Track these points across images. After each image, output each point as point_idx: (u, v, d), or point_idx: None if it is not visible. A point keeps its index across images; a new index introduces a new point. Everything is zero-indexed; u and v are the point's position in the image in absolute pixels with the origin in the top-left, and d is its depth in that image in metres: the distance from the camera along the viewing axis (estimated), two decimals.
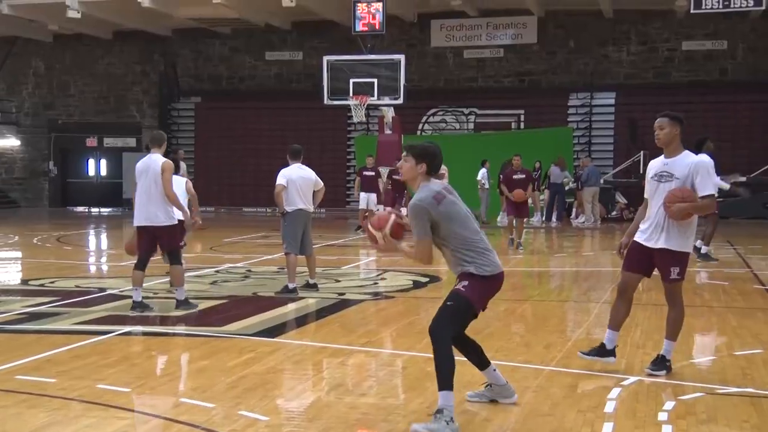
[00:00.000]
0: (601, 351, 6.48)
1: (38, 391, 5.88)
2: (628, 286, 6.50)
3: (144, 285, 9.32)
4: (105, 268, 14.95)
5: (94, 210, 31.52)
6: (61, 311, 9.21)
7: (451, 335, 5.07)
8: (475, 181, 23.14)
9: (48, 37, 31.83)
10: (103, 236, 22.16)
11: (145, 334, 8.16)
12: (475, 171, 23.64)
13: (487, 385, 5.56)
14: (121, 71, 32.46)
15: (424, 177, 5.20)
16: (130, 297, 9.78)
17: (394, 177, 19.66)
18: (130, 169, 32.00)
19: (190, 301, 9.30)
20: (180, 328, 8.46)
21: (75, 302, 9.78)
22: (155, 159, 9.07)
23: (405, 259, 5.35)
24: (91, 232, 23.21)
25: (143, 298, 9.14)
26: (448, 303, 5.13)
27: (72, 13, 26.07)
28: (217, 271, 12.82)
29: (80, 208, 32.24)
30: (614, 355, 6.50)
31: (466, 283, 5.14)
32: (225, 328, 8.35)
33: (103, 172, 33.67)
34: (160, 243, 9.22)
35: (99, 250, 18.66)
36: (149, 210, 8.98)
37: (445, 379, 4.91)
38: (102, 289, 10.81)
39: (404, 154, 5.30)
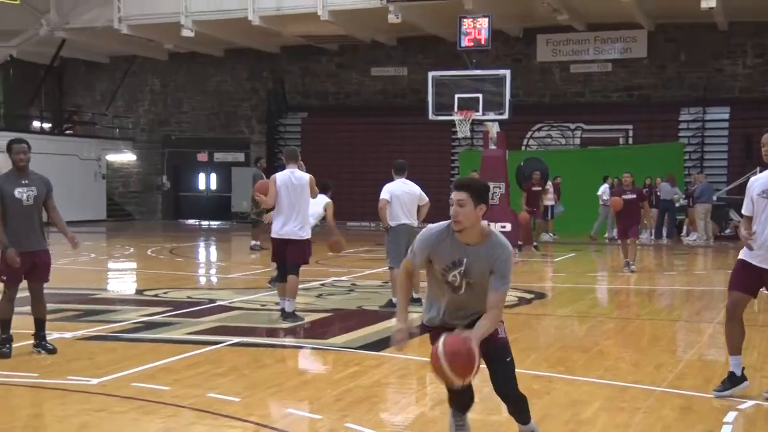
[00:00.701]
0: (733, 380, 6.21)
1: (153, 398, 6.07)
2: (737, 307, 6.26)
3: (251, 297, 9.53)
4: (214, 279, 15.35)
5: (204, 223, 32.40)
6: (173, 321, 9.50)
7: None
8: (594, 196, 22.81)
9: (163, 56, 33.04)
10: (213, 249, 22.76)
11: (253, 345, 8.33)
12: (583, 186, 23.33)
13: None
14: (232, 88, 33.36)
15: (480, 221, 4.51)
16: (239, 308, 10.03)
17: (533, 189, 19.60)
18: (239, 183, 32.64)
19: (297, 314, 9.45)
20: (287, 340, 8.61)
21: (187, 313, 10.07)
22: (300, 176, 9.42)
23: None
24: (201, 244, 23.88)
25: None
26: (509, 359, 4.69)
27: (186, 32, 27.02)
28: (323, 285, 12.98)
29: (191, 221, 33.21)
30: (746, 379, 6.24)
31: (502, 327, 4.70)
32: (331, 340, 8.45)
33: (213, 186, 34.63)
34: (290, 254, 9.36)
35: (209, 262, 19.18)
36: (293, 225, 9.30)
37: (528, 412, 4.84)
38: (212, 300, 11.08)
39: (457, 195, 4.45)
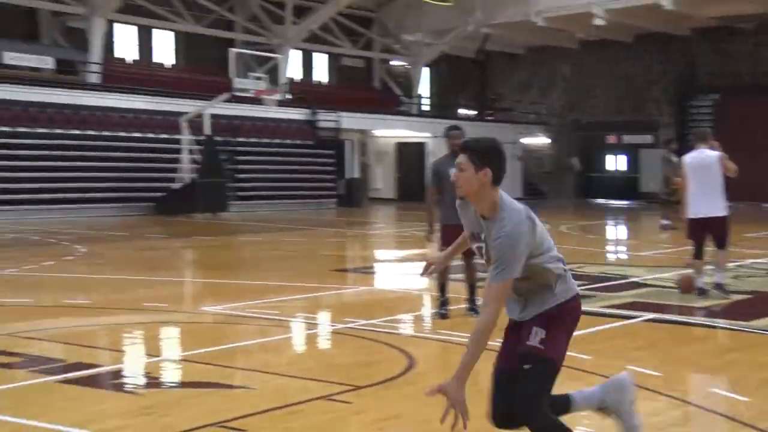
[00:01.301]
0: None
1: (576, 365, 6.06)
2: None
3: (663, 275, 9.15)
4: (624, 256, 15.02)
5: (612, 202, 31.88)
6: (590, 294, 9.43)
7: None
8: None
9: (574, 44, 33.03)
10: (622, 227, 22.30)
11: (669, 321, 7.97)
12: None
13: None
14: (641, 72, 32.35)
15: (490, 188, 3.43)
16: (652, 285, 9.71)
17: None
18: (647, 164, 32.01)
19: (725, 288, 9.07)
20: (704, 319, 8.12)
21: (601, 287, 9.96)
22: (707, 155, 9.12)
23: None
24: (611, 222, 23.51)
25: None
26: (527, 367, 3.58)
27: (598, 21, 26.74)
28: (739, 266, 12.04)
29: (599, 200, 32.88)
30: None
31: (535, 330, 3.58)
32: (752, 323, 7.79)
33: (621, 167, 33.97)
34: (714, 232, 9.14)
35: (619, 240, 18.82)
36: (709, 204, 9.03)
37: None
38: (624, 276, 10.84)
39: (459, 158, 3.49)
